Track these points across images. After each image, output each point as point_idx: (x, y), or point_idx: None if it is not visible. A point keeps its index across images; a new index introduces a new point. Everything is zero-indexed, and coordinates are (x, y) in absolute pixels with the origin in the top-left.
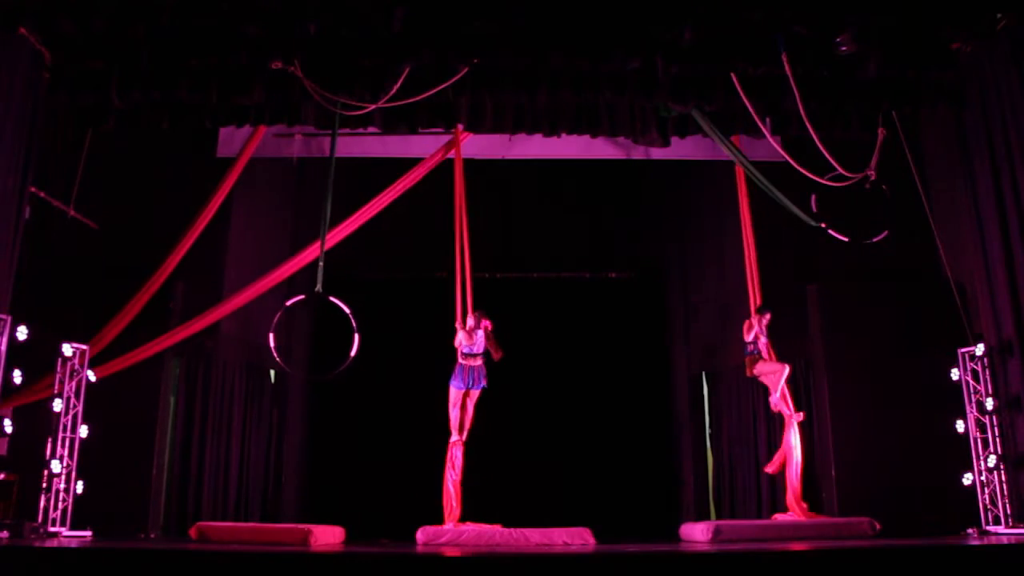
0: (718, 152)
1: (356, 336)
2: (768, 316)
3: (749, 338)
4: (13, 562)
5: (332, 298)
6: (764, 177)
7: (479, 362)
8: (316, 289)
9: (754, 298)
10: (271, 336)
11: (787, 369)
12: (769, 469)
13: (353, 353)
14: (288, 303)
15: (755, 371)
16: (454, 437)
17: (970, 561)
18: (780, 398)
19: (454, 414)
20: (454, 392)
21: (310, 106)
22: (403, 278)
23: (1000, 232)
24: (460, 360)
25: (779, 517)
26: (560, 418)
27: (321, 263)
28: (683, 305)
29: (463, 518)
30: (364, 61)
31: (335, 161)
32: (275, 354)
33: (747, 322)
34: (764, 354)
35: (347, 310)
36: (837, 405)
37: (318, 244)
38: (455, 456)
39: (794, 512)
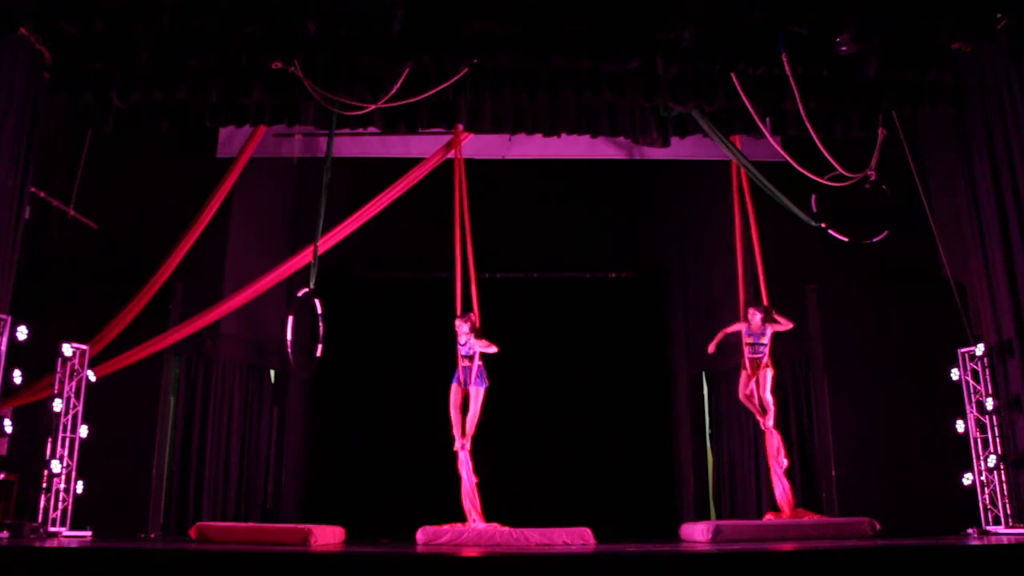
0: (718, 152)
1: (320, 339)
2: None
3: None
4: (13, 562)
5: (315, 299)
6: (764, 177)
7: (472, 363)
8: (309, 286)
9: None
10: (289, 323)
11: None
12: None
13: (319, 354)
14: (300, 292)
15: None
16: (456, 442)
17: (970, 561)
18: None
19: (453, 415)
20: (452, 390)
21: (310, 106)
22: (404, 278)
23: (1000, 232)
24: (458, 360)
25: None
26: (560, 418)
27: (315, 258)
28: (683, 305)
29: (466, 517)
30: (364, 61)
31: (332, 161)
32: (288, 347)
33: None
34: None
35: (319, 311)
36: (837, 405)
37: (318, 244)
38: (462, 461)
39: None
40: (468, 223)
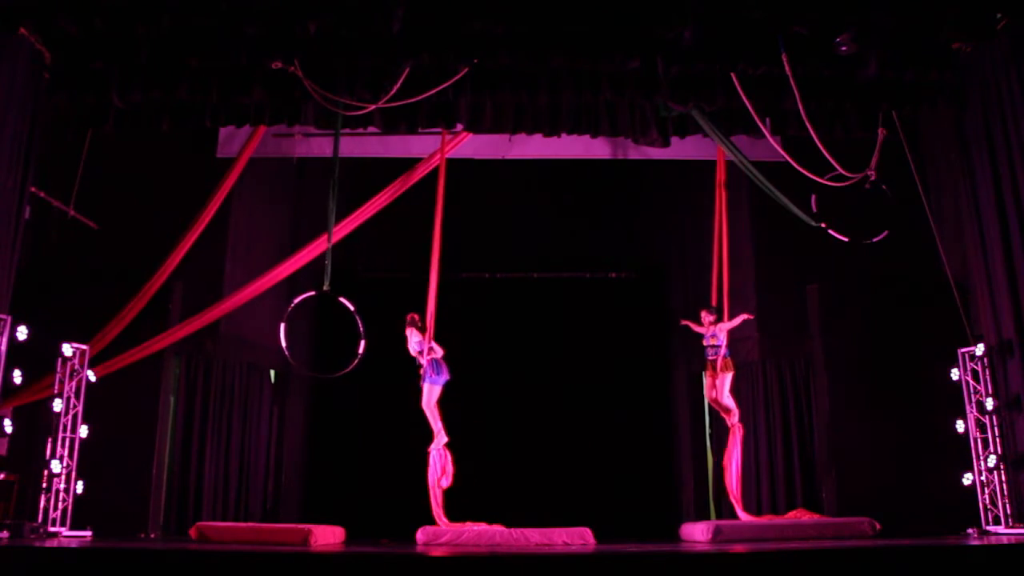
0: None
1: (362, 336)
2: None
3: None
4: (13, 562)
5: (341, 298)
6: (764, 177)
7: (423, 360)
8: (324, 287)
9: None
10: (282, 330)
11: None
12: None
13: (360, 352)
14: (297, 299)
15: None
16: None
17: (970, 561)
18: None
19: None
20: None
21: (310, 106)
22: (404, 278)
23: (1000, 232)
24: None
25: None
26: (560, 418)
27: (328, 261)
28: (683, 305)
29: (466, 517)
30: (364, 61)
31: (339, 161)
32: (285, 351)
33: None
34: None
35: (351, 308)
36: (837, 405)
37: (317, 244)
38: (431, 461)
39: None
40: (440, 226)
